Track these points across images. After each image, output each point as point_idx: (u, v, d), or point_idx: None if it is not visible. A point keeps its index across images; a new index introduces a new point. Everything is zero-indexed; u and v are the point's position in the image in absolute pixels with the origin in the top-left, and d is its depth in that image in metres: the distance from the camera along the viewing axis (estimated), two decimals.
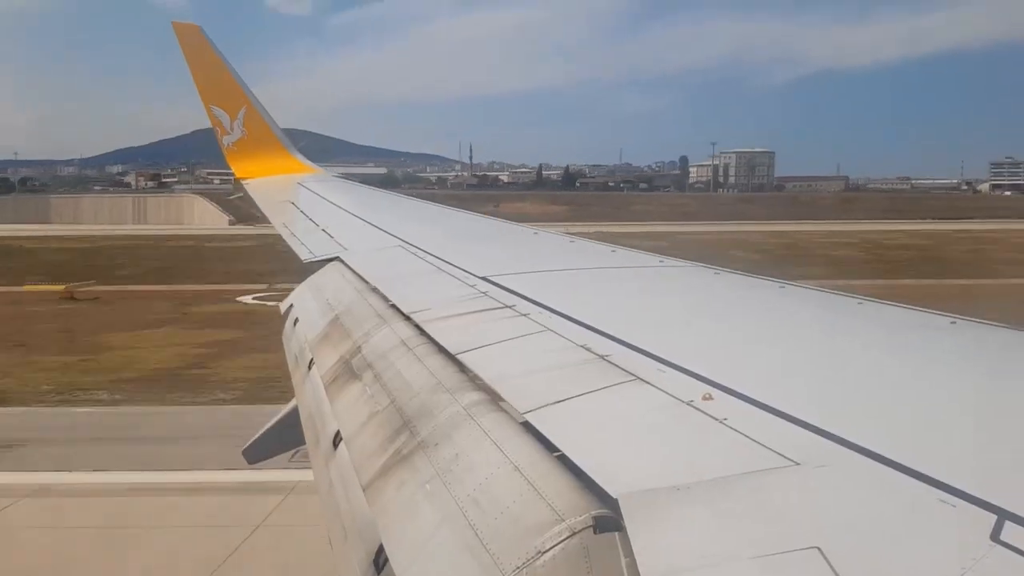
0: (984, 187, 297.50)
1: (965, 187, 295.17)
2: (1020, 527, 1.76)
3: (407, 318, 4.60)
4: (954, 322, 3.63)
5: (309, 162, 18.18)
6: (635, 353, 3.32)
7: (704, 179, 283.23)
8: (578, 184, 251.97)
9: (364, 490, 3.09)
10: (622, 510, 2.07)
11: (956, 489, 1.93)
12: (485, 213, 10.83)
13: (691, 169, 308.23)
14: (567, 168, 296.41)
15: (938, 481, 1.98)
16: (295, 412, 4.85)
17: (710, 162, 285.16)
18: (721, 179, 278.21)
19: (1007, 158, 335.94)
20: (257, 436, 6.09)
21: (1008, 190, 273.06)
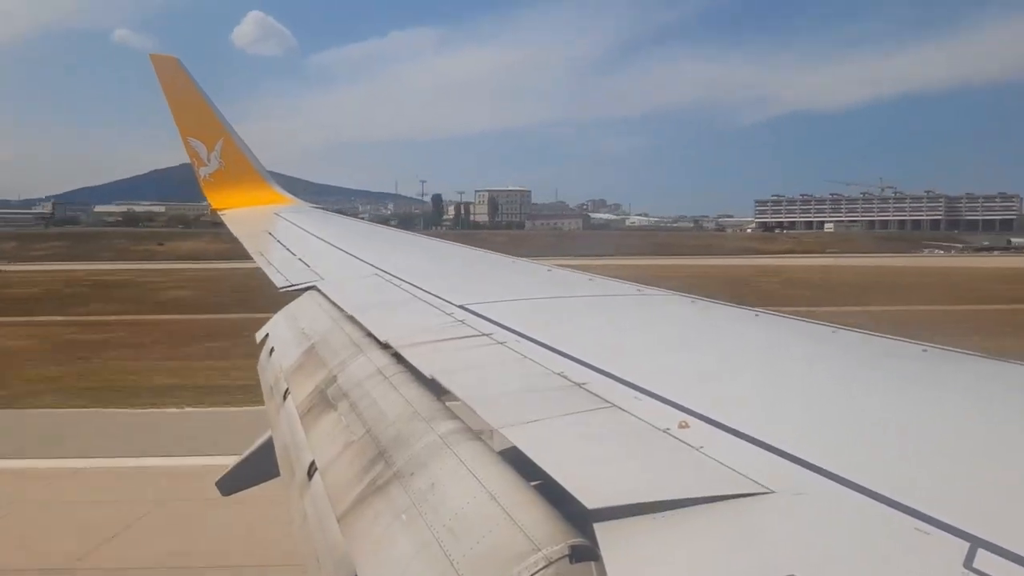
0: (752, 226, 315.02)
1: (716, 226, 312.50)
2: (993, 555, 1.75)
3: (383, 346, 4.56)
4: (925, 350, 3.64)
5: (287, 193, 18.18)
6: (612, 381, 3.30)
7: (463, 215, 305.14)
8: None
9: (339, 521, 3.03)
10: (598, 539, 2.04)
11: (930, 517, 1.92)
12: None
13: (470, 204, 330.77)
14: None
15: (912, 509, 1.97)
16: (270, 443, 4.77)
17: (460, 199, 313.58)
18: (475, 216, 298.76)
19: (773, 196, 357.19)
20: (231, 468, 6.00)
21: (775, 228, 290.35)
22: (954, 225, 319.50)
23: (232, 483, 6.02)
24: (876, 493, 2.08)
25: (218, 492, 6.12)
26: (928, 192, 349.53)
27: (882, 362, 3.73)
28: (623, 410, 2.95)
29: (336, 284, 6.96)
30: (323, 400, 4.21)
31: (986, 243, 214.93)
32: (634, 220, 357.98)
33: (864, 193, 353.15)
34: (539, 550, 2.11)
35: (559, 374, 3.47)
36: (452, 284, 6.27)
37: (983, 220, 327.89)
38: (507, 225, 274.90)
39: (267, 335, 6.26)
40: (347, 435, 3.63)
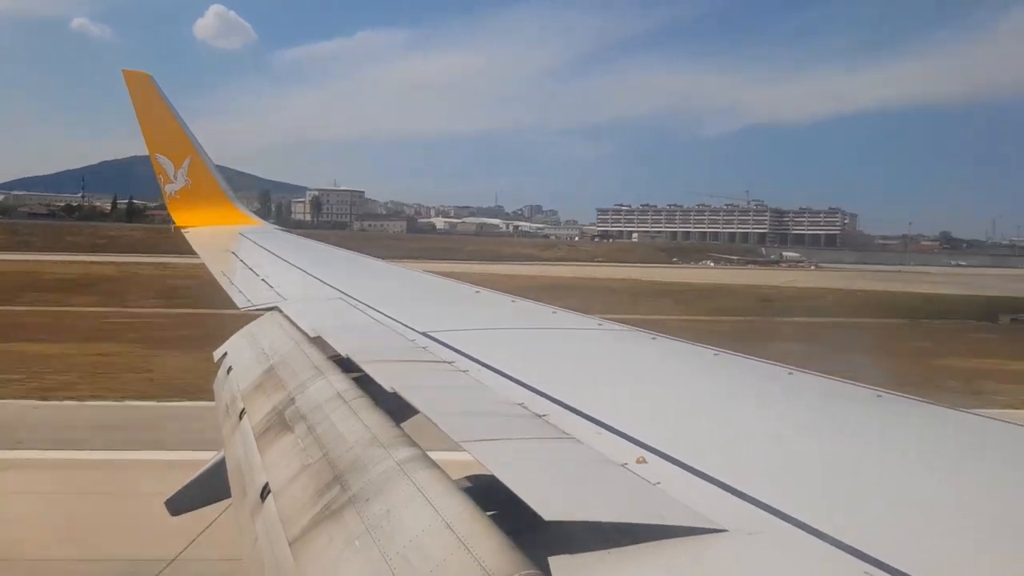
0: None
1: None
2: None
3: (344, 370, 4.50)
4: (880, 396, 3.68)
5: (252, 215, 18.07)
6: (571, 414, 3.29)
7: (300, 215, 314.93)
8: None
9: (290, 545, 2.97)
10: (551, 571, 2.02)
11: (880, 562, 1.93)
12: None
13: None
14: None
15: (863, 553, 1.97)
16: (222, 464, 4.67)
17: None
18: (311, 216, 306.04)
19: (615, 205, 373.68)
20: (182, 487, 5.86)
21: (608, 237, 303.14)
22: (783, 238, 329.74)
23: (182, 502, 5.88)
24: (829, 536, 2.08)
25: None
26: (756, 204, 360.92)
27: (837, 405, 3.77)
28: (582, 442, 2.95)
29: (298, 306, 6.87)
30: (280, 421, 4.13)
31: (760, 257, 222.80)
32: (525, 228, 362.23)
33: (728, 204, 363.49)
34: None
35: (519, 404, 3.46)
36: (415, 310, 6.23)
37: (810, 234, 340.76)
38: (332, 225, 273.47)
39: (225, 354, 6.17)
40: (303, 458, 3.57)
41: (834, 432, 3.36)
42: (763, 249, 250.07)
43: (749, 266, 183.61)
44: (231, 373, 5.61)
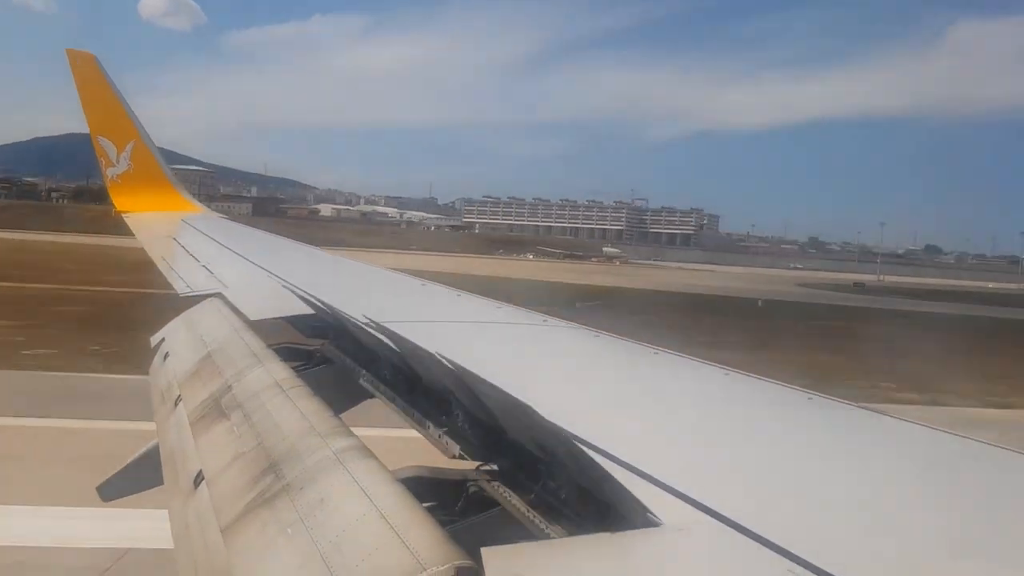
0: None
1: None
2: None
3: (283, 359, 4.45)
4: (811, 398, 3.76)
5: (196, 201, 17.75)
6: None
7: None
8: None
9: (222, 532, 2.92)
10: (484, 562, 2.03)
11: (806, 562, 1.96)
12: None
13: None
14: None
15: (790, 553, 2.00)
16: (155, 451, 4.58)
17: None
18: None
19: (483, 197, 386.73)
20: (113, 474, 5.73)
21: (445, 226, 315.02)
22: (643, 235, 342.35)
23: (114, 490, 5.76)
24: (755, 534, 2.12)
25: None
26: (617, 203, 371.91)
27: (770, 407, 3.83)
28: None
29: (240, 293, 6.77)
30: (216, 409, 4.07)
31: (584, 252, 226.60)
32: (412, 216, 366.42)
33: (616, 202, 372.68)
34: (424, 570, 2.08)
35: None
36: (358, 301, 6.16)
37: (667, 233, 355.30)
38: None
39: (162, 340, 6.05)
40: (239, 445, 3.52)
41: (765, 433, 3.42)
42: (607, 246, 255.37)
43: (565, 260, 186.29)
44: (168, 359, 5.51)
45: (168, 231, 13.01)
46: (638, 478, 2.53)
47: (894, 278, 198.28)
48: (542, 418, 2.24)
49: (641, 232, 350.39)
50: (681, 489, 2.43)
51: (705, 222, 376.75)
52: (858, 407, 3.69)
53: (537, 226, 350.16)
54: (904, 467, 3.06)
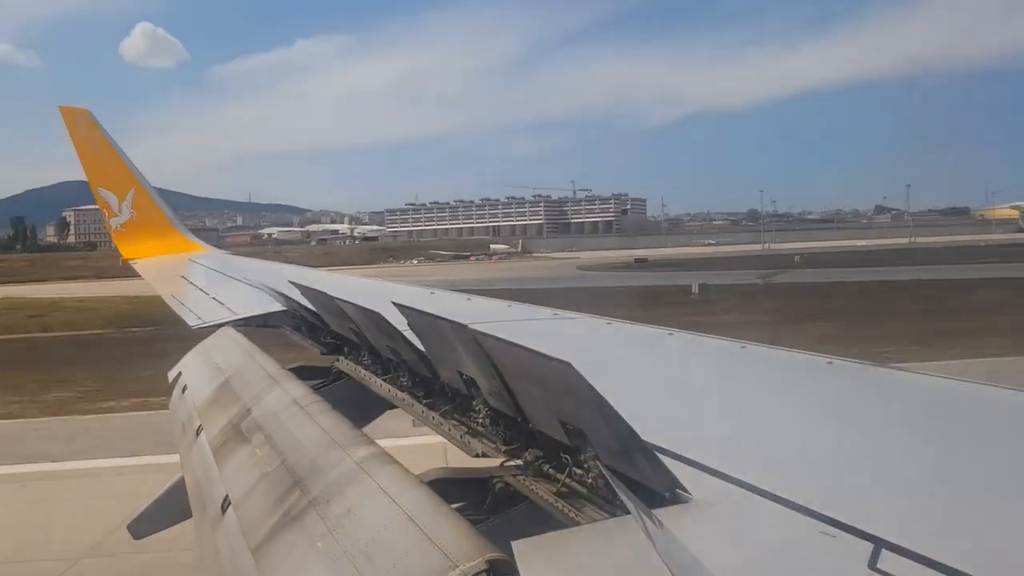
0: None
1: None
2: (895, 555, 1.78)
3: (299, 377, 4.43)
4: (831, 362, 3.71)
5: (200, 241, 17.82)
6: None
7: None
8: None
9: (252, 553, 2.90)
10: (515, 554, 1.99)
11: (835, 520, 1.94)
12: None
13: None
14: None
15: (818, 513, 1.99)
16: (181, 484, 4.56)
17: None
18: None
19: (406, 204, 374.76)
20: (143, 510, 5.72)
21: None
22: (565, 228, 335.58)
23: (144, 526, 5.73)
24: (784, 499, 2.10)
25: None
26: (536, 196, 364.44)
27: (789, 374, 3.79)
28: None
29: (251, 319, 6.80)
30: (237, 433, 4.05)
31: (475, 252, 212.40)
32: (362, 231, 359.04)
33: (508, 198, 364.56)
34: (457, 566, 2.06)
35: None
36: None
37: (589, 221, 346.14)
38: (82, 246, 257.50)
39: (179, 373, 6.04)
40: (262, 467, 3.49)
41: (785, 401, 3.40)
42: (495, 243, 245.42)
43: (450, 262, 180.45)
44: (186, 392, 5.49)
45: (176, 271, 13.05)
46: (664, 456, 2.49)
47: (786, 245, 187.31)
48: (581, 378, 2.18)
49: (564, 223, 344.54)
50: (707, 463, 2.41)
51: (628, 207, 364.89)
52: (877, 366, 3.64)
53: (460, 228, 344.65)
54: (929, 421, 3.02)
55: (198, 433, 4.50)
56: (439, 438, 3.72)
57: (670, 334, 4.67)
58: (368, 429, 3.94)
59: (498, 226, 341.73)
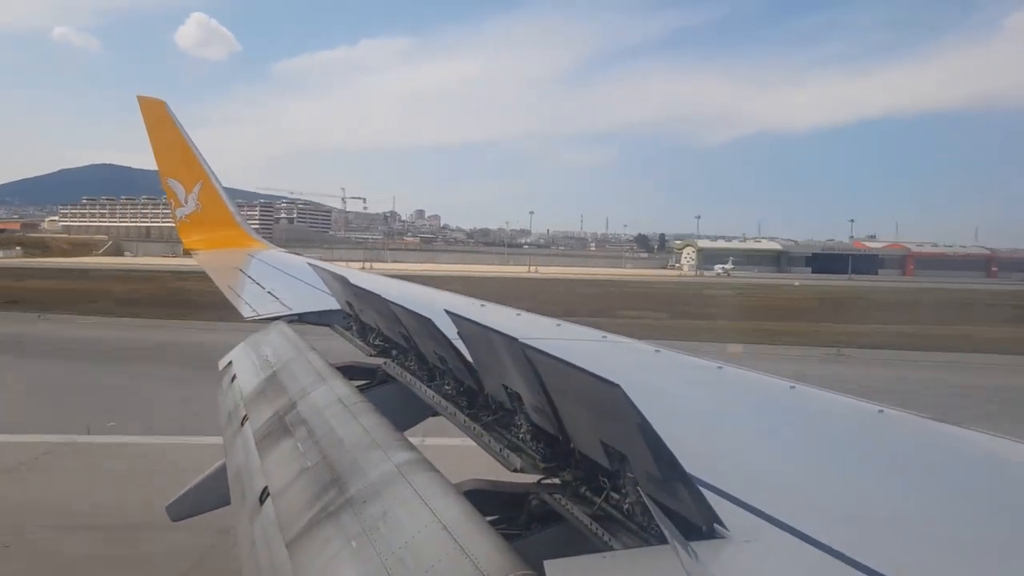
0: None
1: None
2: None
3: (346, 376, 4.44)
4: (882, 411, 3.60)
5: (261, 238, 18.07)
6: None
7: None
8: None
9: (287, 546, 2.89)
10: (547, 574, 1.95)
11: (874, 571, 1.88)
12: None
13: None
14: None
15: (864, 566, 1.92)
16: (223, 470, 4.58)
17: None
18: None
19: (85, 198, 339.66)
20: (182, 493, 5.75)
21: None
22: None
23: (183, 509, 5.76)
24: (824, 544, 2.03)
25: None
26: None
27: (837, 419, 3.69)
28: None
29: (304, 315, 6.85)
30: (281, 426, 4.07)
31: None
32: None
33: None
34: None
35: None
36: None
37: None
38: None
39: (230, 363, 6.09)
40: (302, 461, 3.50)
41: (835, 445, 3.30)
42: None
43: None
44: (235, 381, 5.54)
45: (235, 264, 13.24)
46: (704, 488, 2.43)
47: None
48: (630, 403, 2.13)
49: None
50: (747, 500, 2.34)
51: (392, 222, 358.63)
52: (930, 418, 3.52)
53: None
54: (976, 478, 2.90)
55: (243, 423, 4.52)
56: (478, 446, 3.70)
57: (720, 367, 4.58)
58: (409, 434, 3.92)
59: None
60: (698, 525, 2.13)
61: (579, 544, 2.60)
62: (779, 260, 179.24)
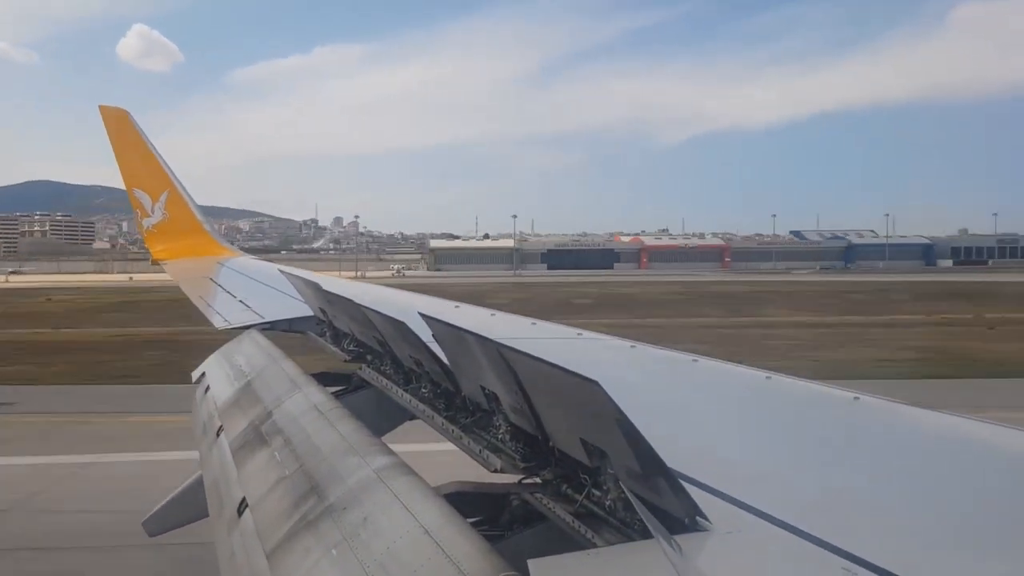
0: None
1: None
2: None
3: (321, 383, 4.39)
4: (857, 398, 3.63)
5: (230, 245, 17.87)
6: None
7: None
8: None
9: (267, 557, 2.86)
10: (531, 574, 1.93)
11: (855, 557, 1.88)
12: None
13: None
14: None
15: (839, 548, 1.93)
16: (200, 482, 4.53)
17: None
18: None
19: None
20: (159, 507, 5.67)
21: None
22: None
23: (159, 524, 5.69)
24: (808, 534, 2.03)
25: None
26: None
27: (815, 408, 3.70)
28: None
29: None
30: (257, 436, 4.02)
31: None
32: None
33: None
34: None
35: None
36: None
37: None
38: None
39: (203, 374, 6.02)
40: (280, 470, 3.46)
41: (813, 434, 3.31)
42: None
43: None
44: (209, 392, 5.47)
45: (204, 273, 13.08)
46: (684, 482, 2.43)
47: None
48: (608, 398, 2.12)
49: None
50: (727, 491, 2.34)
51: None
52: (904, 404, 3.54)
53: None
54: (958, 462, 2.93)
55: (218, 434, 4.47)
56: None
57: (695, 360, 4.58)
58: (387, 438, 3.89)
59: None
60: (680, 518, 2.13)
61: (562, 542, 2.58)
62: (512, 258, 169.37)
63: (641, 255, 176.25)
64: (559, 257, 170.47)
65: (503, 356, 2.75)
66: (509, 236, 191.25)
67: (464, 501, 2.96)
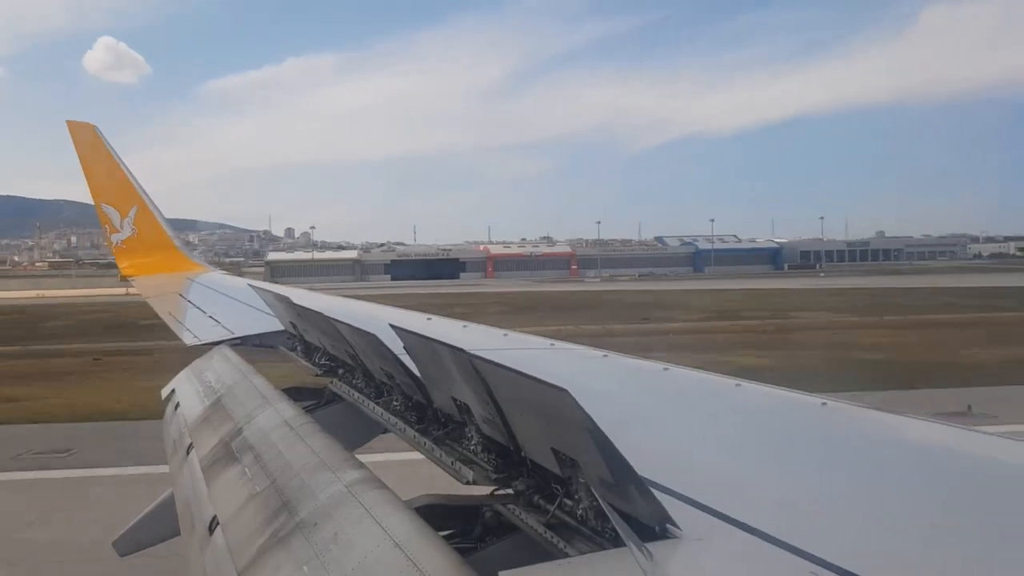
0: None
1: None
2: None
3: (292, 398, 4.36)
4: (825, 403, 3.66)
5: (201, 261, 17.71)
6: None
7: None
8: None
9: (239, 575, 2.81)
10: None
11: (824, 561, 1.90)
12: None
13: None
14: None
15: (807, 553, 1.94)
16: (171, 500, 4.47)
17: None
18: None
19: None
20: (129, 526, 5.58)
21: None
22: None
23: (131, 543, 5.60)
24: (775, 538, 2.05)
25: None
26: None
27: (781, 415, 3.73)
28: None
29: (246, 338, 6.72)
30: (227, 453, 3.98)
31: None
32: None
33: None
34: None
35: None
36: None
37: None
38: None
39: (173, 391, 5.95)
40: (251, 487, 3.43)
41: (781, 439, 3.34)
42: None
43: None
44: (179, 409, 5.41)
45: (174, 289, 12.96)
46: (655, 490, 2.44)
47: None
48: (577, 406, 2.12)
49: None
50: (697, 498, 2.35)
51: None
52: (871, 409, 3.58)
53: None
54: (918, 464, 2.96)
55: (188, 451, 4.42)
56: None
57: (665, 369, 4.61)
58: (359, 452, 3.87)
59: None
60: (651, 526, 2.14)
61: (535, 553, 2.58)
62: (354, 269, 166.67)
63: (487, 264, 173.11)
64: (402, 268, 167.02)
65: (474, 366, 2.75)
66: (455, 244, 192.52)
67: (436, 514, 2.95)
